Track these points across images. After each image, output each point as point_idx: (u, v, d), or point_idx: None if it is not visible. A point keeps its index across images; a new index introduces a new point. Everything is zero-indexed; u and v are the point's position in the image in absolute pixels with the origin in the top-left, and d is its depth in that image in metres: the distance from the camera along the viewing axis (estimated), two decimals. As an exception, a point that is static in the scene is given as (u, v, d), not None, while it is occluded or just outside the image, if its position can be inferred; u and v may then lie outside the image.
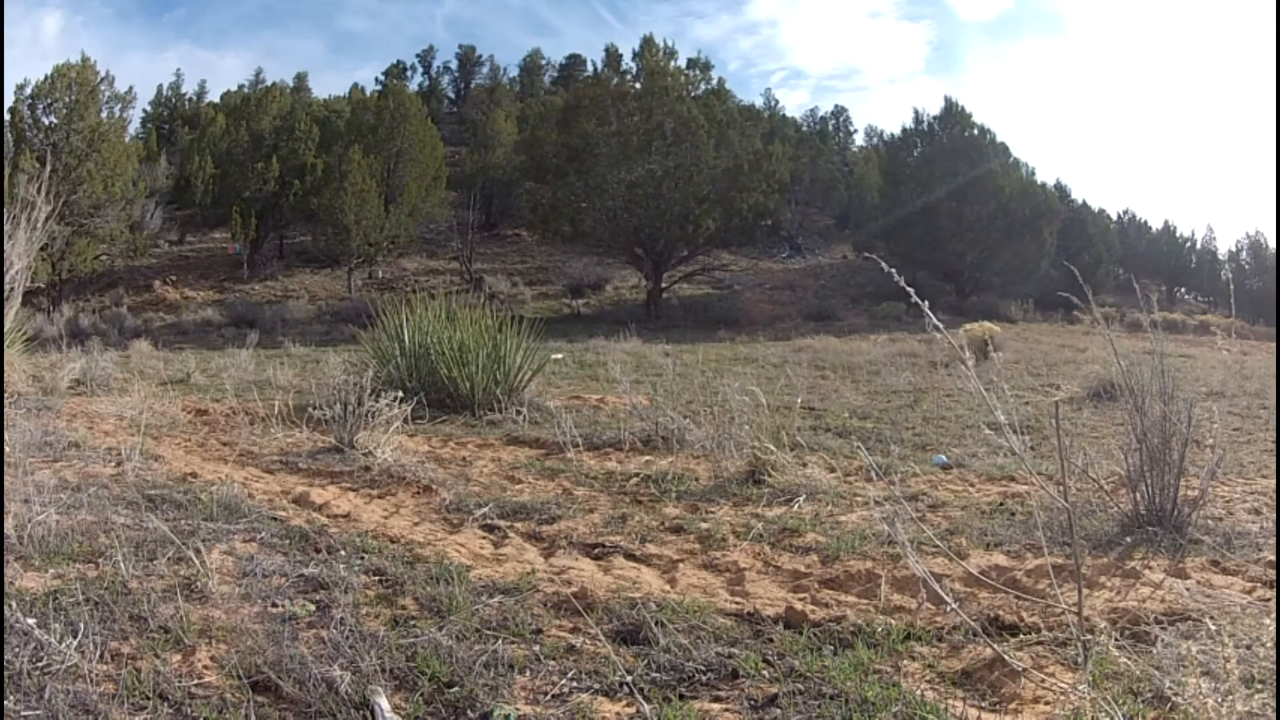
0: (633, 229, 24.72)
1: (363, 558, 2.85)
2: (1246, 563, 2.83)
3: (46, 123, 21.64)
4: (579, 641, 2.24)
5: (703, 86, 27.13)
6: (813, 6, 56.94)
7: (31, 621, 2.09)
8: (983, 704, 1.94)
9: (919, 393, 7.99)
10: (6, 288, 4.88)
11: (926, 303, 1.82)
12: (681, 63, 27.33)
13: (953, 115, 27.82)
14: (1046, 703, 1.91)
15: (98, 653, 2.00)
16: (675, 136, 24.45)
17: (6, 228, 4.84)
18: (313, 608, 2.39)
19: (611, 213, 24.55)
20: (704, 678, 2.05)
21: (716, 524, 3.45)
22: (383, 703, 1.85)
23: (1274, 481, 3.90)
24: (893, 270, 1.90)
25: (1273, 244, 30.51)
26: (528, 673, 2.06)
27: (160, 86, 32.33)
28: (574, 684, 2.01)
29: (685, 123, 24.30)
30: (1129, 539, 3.09)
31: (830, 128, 43.25)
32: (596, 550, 3.15)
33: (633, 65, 32.68)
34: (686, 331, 20.22)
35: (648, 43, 28.46)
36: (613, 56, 34.72)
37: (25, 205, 5.06)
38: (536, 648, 2.19)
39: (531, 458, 4.94)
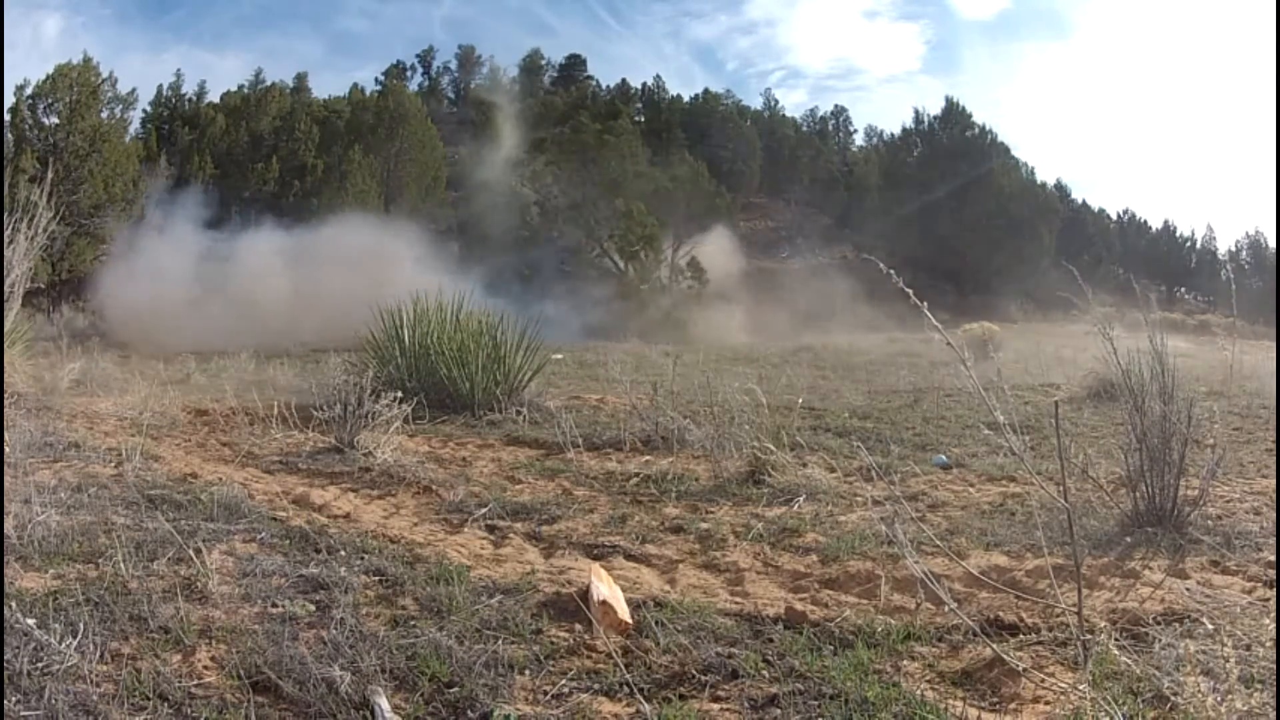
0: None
1: (363, 558, 2.85)
2: (1246, 563, 2.83)
3: (47, 123, 21.63)
4: (579, 641, 2.24)
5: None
6: (810, 6, 56.76)
7: (31, 621, 2.09)
8: (983, 704, 1.94)
9: (919, 393, 7.99)
10: (7, 290, 4.88)
11: (925, 304, 1.83)
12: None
13: (953, 115, 27.88)
14: (1046, 703, 1.91)
15: (98, 653, 2.00)
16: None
17: (7, 233, 4.84)
18: (313, 608, 2.39)
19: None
20: (704, 678, 2.05)
21: (716, 524, 3.45)
22: (383, 703, 1.85)
23: (1274, 481, 3.90)
24: (891, 271, 1.91)
25: (1273, 244, 30.53)
26: (528, 673, 2.06)
27: (160, 87, 32.21)
28: (574, 684, 2.02)
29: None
30: (1129, 539, 3.09)
31: (830, 127, 43.21)
32: (596, 550, 3.15)
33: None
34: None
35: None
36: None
37: (27, 209, 5.06)
38: (536, 648, 2.19)
39: (531, 458, 4.94)
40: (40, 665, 1.93)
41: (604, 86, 39.23)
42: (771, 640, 2.27)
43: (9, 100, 21.10)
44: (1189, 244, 34.38)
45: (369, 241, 21.17)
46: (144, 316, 16.69)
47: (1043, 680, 1.98)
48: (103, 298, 19.13)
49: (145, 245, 20.46)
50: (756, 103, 40.81)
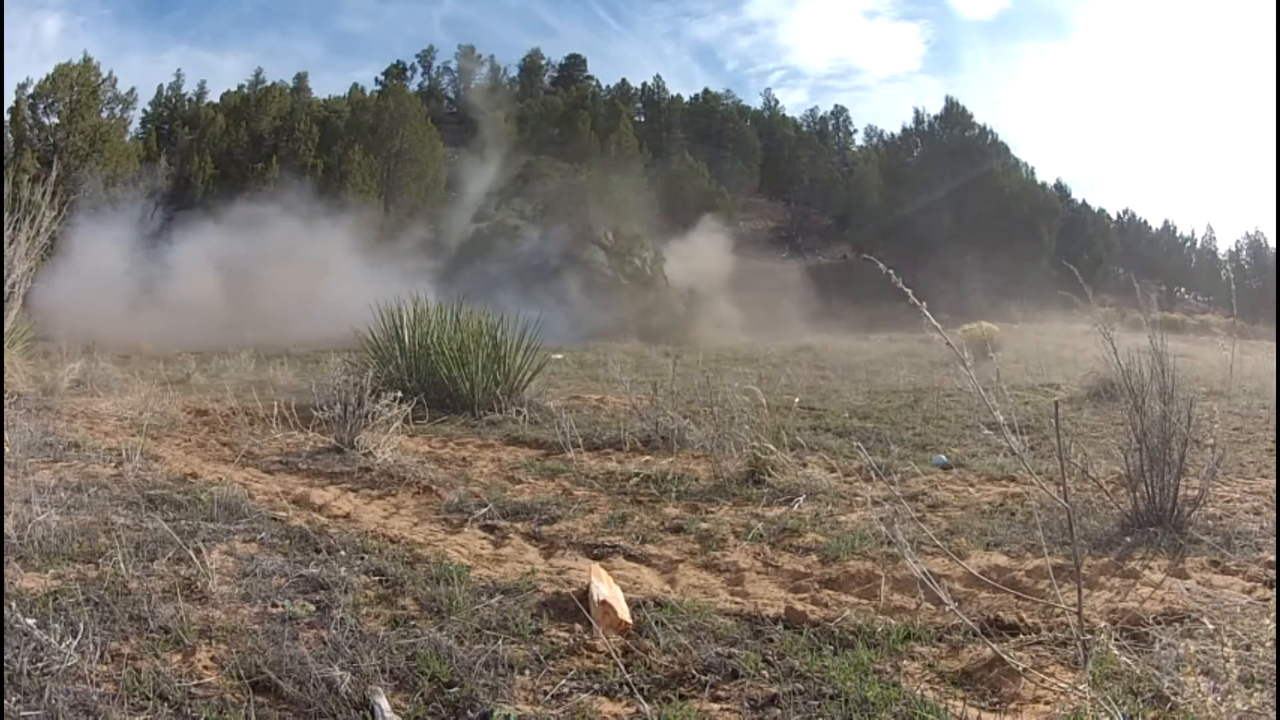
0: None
1: (363, 558, 2.85)
2: (1246, 563, 2.83)
3: (47, 123, 21.66)
4: (579, 641, 2.24)
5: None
6: (810, 6, 56.84)
7: (31, 621, 2.09)
8: (983, 704, 1.94)
9: (919, 393, 7.99)
10: (7, 290, 4.88)
11: (925, 303, 1.83)
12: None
13: (953, 115, 27.94)
14: (1046, 703, 1.91)
15: (98, 653, 2.00)
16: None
17: (8, 232, 4.84)
18: (313, 608, 2.39)
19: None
20: (704, 678, 2.05)
21: (716, 524, 3.45)
22: (383, 703, 1.85)
23: (1274, 481, 3.90)
24: (890, 271, 1.91)
25: (1273, 244, 30.55)
26: (528, 673, 2.06)
27: (160, 87, 32.25)
28: (574, 684, 2.02)
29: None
30: (1129, 539, 3.09)
31: (830, 127, 43.23)
32: (596, 550, 3.15)
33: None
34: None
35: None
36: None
37: (28, 209, 5.06)
38: (536, 648, 2.19)
39: (531, 458, 4.94)
40: (40, 665, 1.93)
41: (604, 86, 39.33)
42: (771, 640, 2.27)
43: (9, 100, 21.12)
44: (1189, 244, 34.46)
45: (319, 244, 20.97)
46: (71, 314, 16.29)
47: (1043, 680, 1.98)
48: (34, 294, 18.46)
49: (79, 244, 19.59)
50: (756, 103, 40.96)
